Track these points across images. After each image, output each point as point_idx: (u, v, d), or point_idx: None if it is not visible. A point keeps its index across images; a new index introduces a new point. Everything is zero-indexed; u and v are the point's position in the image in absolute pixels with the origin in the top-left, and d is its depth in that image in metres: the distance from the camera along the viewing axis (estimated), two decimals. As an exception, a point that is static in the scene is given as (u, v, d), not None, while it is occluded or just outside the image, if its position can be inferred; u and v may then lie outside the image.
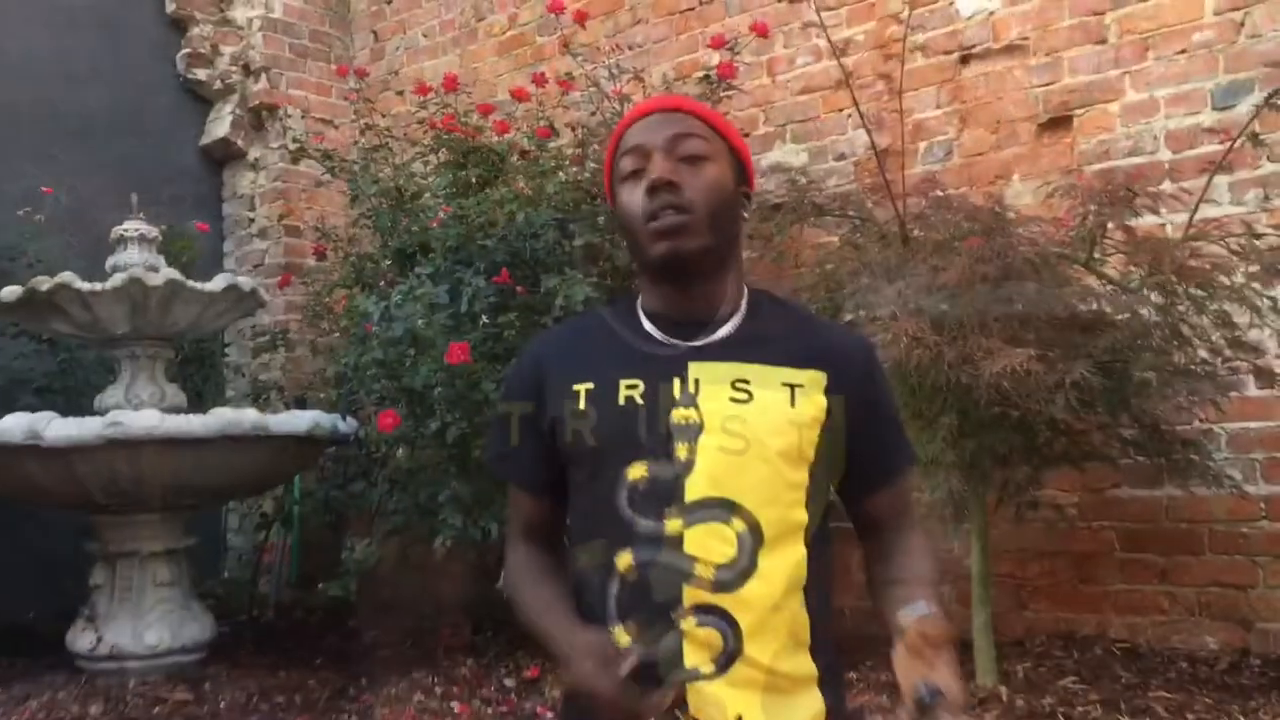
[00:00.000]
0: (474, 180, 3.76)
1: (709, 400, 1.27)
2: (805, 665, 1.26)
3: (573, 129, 3.85)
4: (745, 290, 1.37)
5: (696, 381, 1.28)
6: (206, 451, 3.40)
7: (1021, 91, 3.62)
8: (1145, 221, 3.05)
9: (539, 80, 4.00)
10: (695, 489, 1.25)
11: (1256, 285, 2.77)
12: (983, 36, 3.70)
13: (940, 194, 3.34)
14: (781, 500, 1.27)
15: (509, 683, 3.25)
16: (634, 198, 1.29)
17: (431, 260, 3.44)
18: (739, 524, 1.25)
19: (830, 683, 1.28)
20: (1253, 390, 3.12)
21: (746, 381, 1.29)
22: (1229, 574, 3.19)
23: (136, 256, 3.76)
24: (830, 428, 1.29)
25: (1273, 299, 2.79)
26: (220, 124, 5.19)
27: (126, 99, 4.92)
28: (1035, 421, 2.74)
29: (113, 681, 3.42)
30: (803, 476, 1.28)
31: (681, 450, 1.26)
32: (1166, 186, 3.26)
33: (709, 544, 1.23)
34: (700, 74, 3.82)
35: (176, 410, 3.61)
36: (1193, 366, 2.77)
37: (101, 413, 3.47)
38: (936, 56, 3.81)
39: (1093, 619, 3.39)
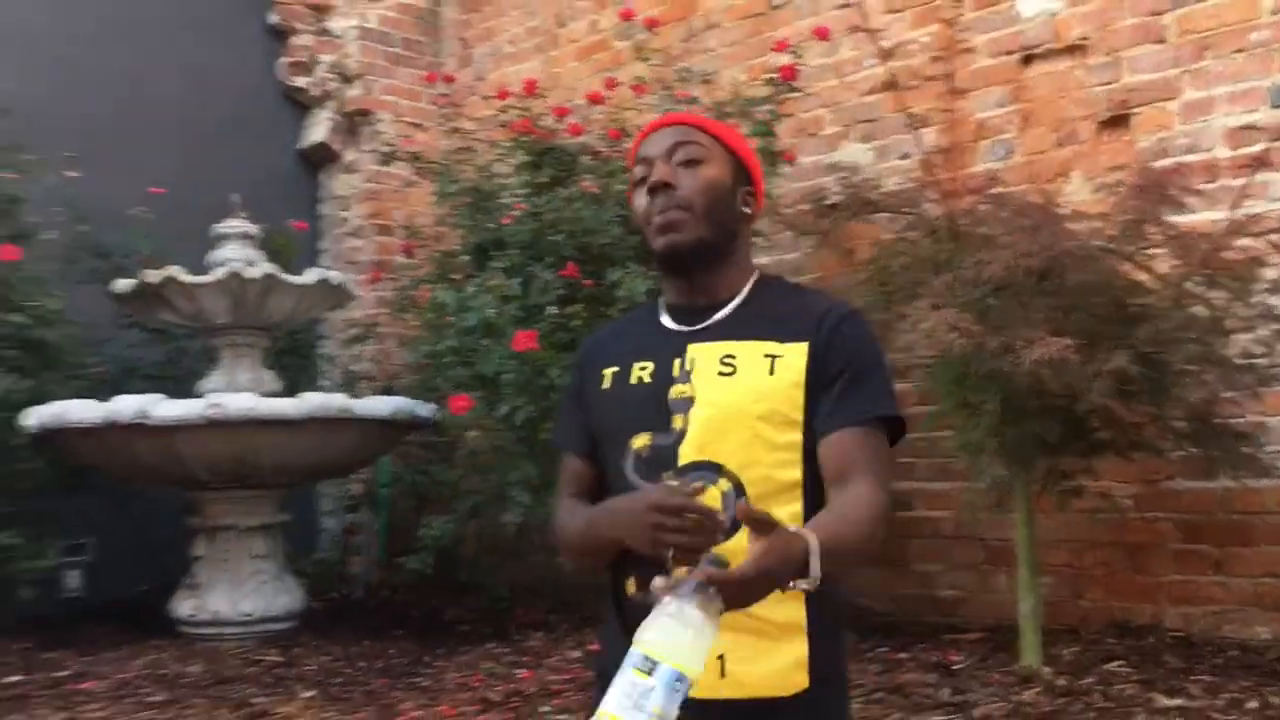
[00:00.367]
0: (548, 180, 3.98)
1: (700, 376, 1.45)
2: (793, 614, 1.39)
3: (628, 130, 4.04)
4: (751, 277, 1.54)
5: (693, 360, 1.46)
6: (298, 432, 3.68)
7: (1082, 90, 3.69)
8: (1197, 218, 3.12)
9: (611, 84, 4.21)
10: (687, 454, 1.42)
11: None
12: (1044, 37, 3.79)
13: (996, 191, 3.45)
14: (764, 461, 1.41)
15: (574, 654, 3.45)
16: (640, 200, 1.49)
17: (506, 255, 3.67)
18: (724, 484, 1.41)
19: (819, 633, 1.40)
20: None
21: (733, 357, 1.46)
22: (1282, 565, 3.24)
23: (236, 252, 4.07)
24: (813, 389, 1.43)
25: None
26: (317, 129, 5.51)
27: (230, 105, 5.26)
28: (1079, 410, 2.84)
29: (210, 645, 3.72)
30: (794, 437, 1.42)
31: (677, 421, 1.44)
32: (1222, 183, 3.33)
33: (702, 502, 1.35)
34: (765, 77, 3.98)
35: (272, 395, 3.90)
36: (1235, 359, 2.84)
37: (204, 396, 3.78)
38: (999, 57, 3.90)
39: (1147, 609, 3.46)
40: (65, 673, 3.44)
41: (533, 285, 3.54)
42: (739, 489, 1.40)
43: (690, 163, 1.49)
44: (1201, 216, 3.15)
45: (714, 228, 1.48)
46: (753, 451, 1.42)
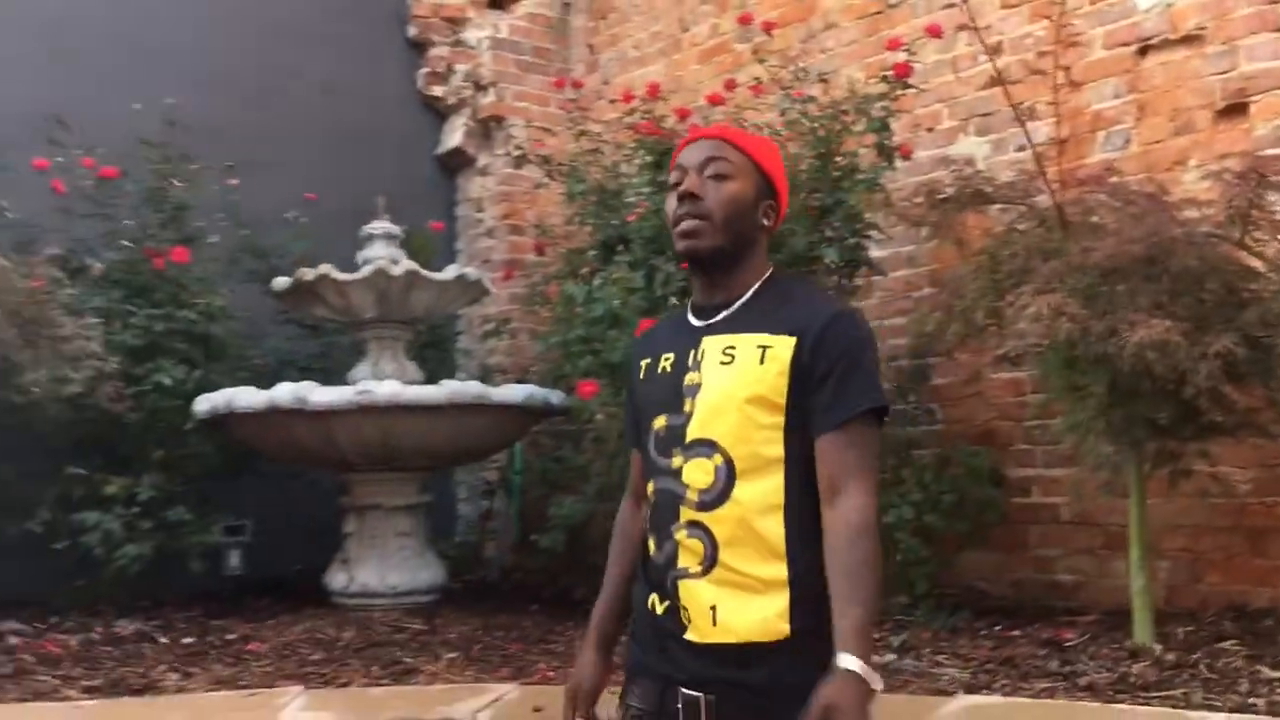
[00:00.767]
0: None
1: (707, 365, 1.69)
2: (776, 571, 1.60)
3: (760, 129, 4.24)
4: (762, 276, 1.74)
5: (703, 352, 1.70)
6: (438, 418, 3.99)
7: (1198, 80, 3.75)
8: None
9: (730, 85, 4.43)
10: (693, 433, 1.66)
11: None
12: (1161, 28, 3.85)
13: (1110, 181, 3.55)
14: (753, 439, 1.64)
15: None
16: (670, 204, 1.71)
17: (630, 250, 3.92)
18: (718, 459, 1.64)
19: (800, 589, 1.60)
20: None
21: (733, 348, 1.68)
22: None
23: (382, 251, 4.42)
24: (797, 379, 1.64)
25: None
26: (453, 135, 5.87)
27: (374, 115, 5.64)
28: (1185, 393, 2.93)
29: (361, 614, 4.05)
30: (777, 419, 1.64)
31: (687, 405, 1.68)
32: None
33: (696, 475, 1.64)
34: (881, 74, 4.13)
35: (415, 384, 4.23)
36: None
37: (353, 384, 4.13)
38: (1115, 48, 3.98)
39: (1266, 592, 3.51)
40: (233, 636, 3.82)
41: (655, 278, 3.78)
42: (730, 464, 1.64)
43: (719, 177, 1.70)
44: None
45: (731, 238, 1.70)
46: (743, 430, 1.64)
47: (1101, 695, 2.75)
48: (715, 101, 4.40)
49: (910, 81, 4.08)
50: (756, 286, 1.73)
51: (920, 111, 4.44)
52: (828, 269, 4.02)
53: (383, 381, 4.02)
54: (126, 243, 4.45)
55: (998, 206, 3.62)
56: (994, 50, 4.21)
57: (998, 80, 4.19)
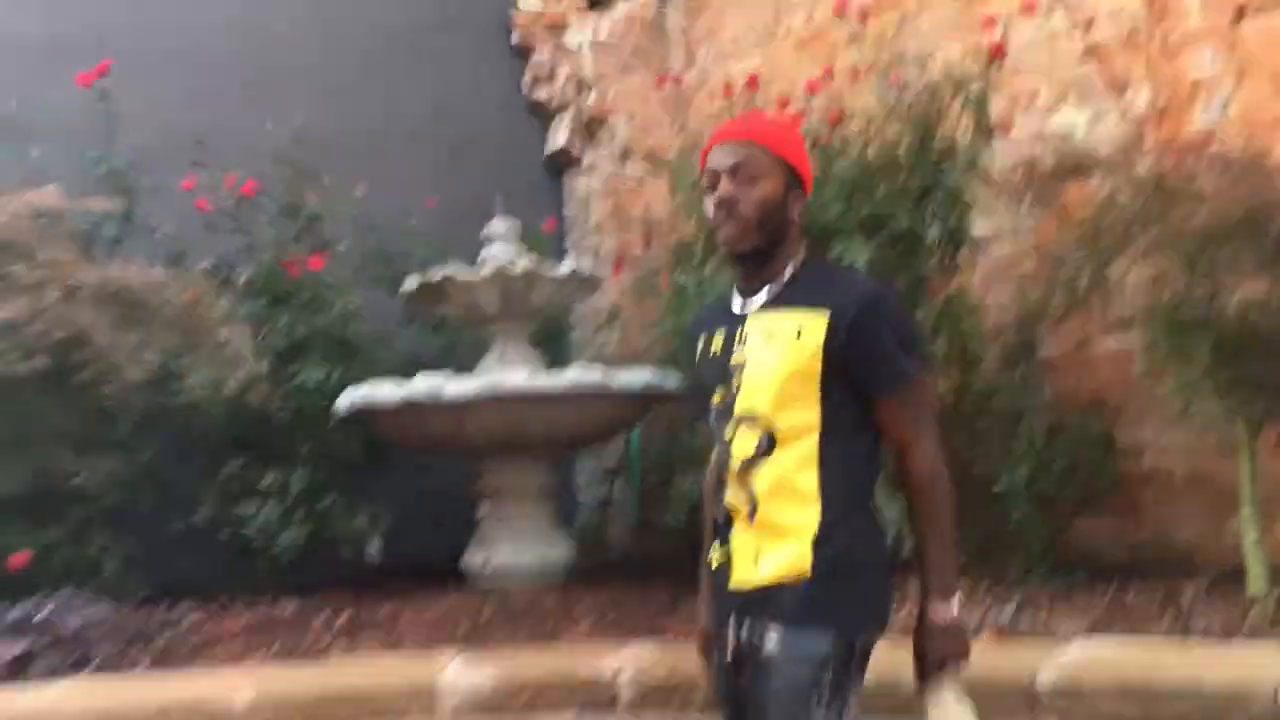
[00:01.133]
0: (774, 166, 4.41)
1: (750, 344, 1.97)
2: (809, 519, 1.90)
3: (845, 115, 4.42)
4: (796, 260, 2.00)
5: (747, 332, 1.98)
6: (562, 405, 4.26)
7: (1297, 41, 3.82)
8: None
9: (828, 71, 4.61)
10: (739, 407, 1.96)
11: None
12: (1257, -9, 3.93)
13: (1212, 148, 3.65)
14: (790, 410, 1.92)
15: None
16: (709, 208, 1.98)
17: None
18: (760, 428, 1.94)
19: (824, 531, 1.89)
20: None
21: (772, 328, 1.95)
22: None
23: (502, 251, 4.72)
24: (831, 352, 1.89)
25: None
26: (559, 136, 6.15)
27: (482, 121, 5.96)
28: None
29: (498, 591, 4.35)
30: (812, 389, 1.92)
31: (736, 380, 1.98)
32: None
33: (742, 442, 1.94)
34: (977, 53, 4.27)
35: (539, 374, 4.50)
36: None
37: (481, 377, 4.42)
38: (1212, 15, 4.06)
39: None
40: (385, 612, 4.15)
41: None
42: (770, 433, 1.93)
43: (750, 180, 1.95)
44: None
45: (766, 235, 1.96)
46: (781, 402, 1.92)
47: (1214, 639, 2.88)
48: (814, 89, 4.58)
49: (1006, 58, 4.21)
50: (792, 269, 1.98)
51: (1017, 88, 4.56)
52: (930, 249, 4.17)
53: (509, 373, 4.30)
54: (266, 254, 4.81)
55: (1097, 177, 3.74)
56: (1089, 22, 4.33)
57: (1094, 52, 4.32)
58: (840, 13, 4.62)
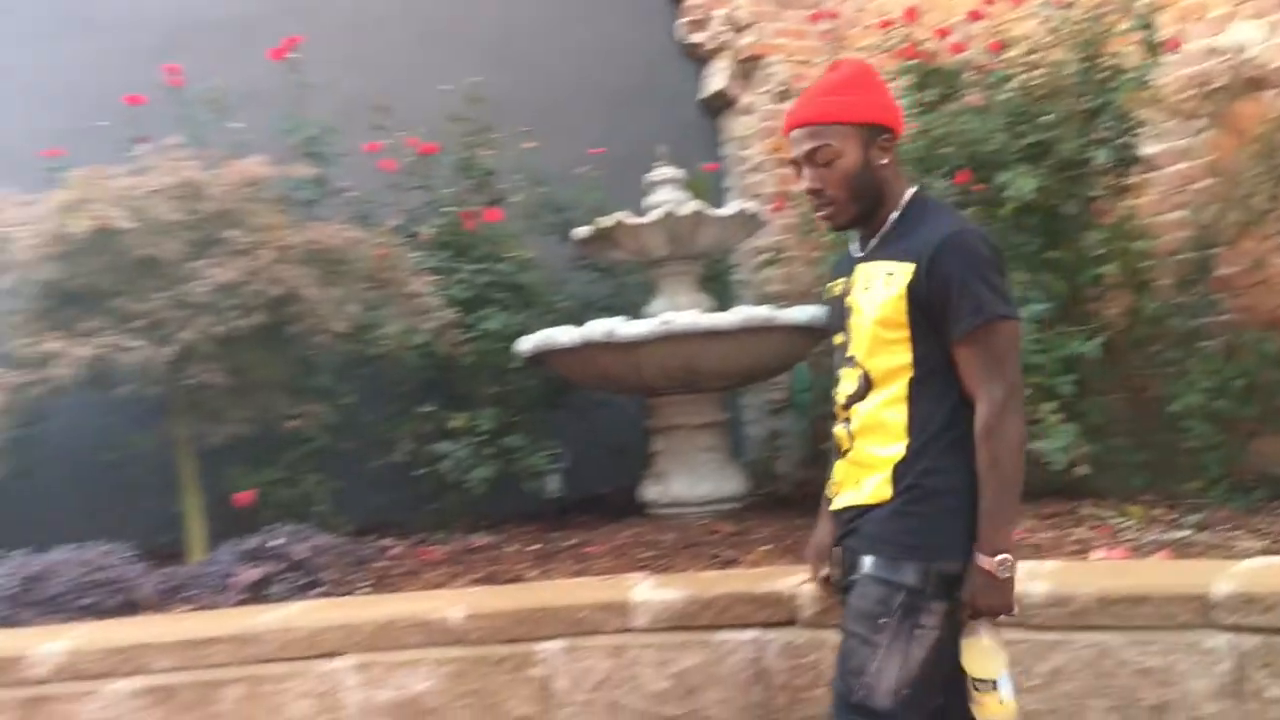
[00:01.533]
0: (935, 98, 4.47)
1: (855, 291, 2.13)
2: (894, 451, 2.07)
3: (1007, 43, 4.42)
4: (900, 205, 2.11)
5: (855, 280, 2.14)
6: (731, 341, 4.45)
7: None
8: None
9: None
10: (849, 349, 2.14)
11: None
12: None
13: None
14: (882, 352, 2.07)
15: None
16: (801, 188, 2.16)
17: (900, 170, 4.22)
18: (859, 370, 2.11)
19: (905, 463, 2.06)
20: None
21: (871, 275, 2.09)
22: None
23: (667, 195, 4.92)
24: (915, 297, 2.01)
25: None
26: (716, 78, 6.29)
27: (640, 69, 6.14)
28: None
29: (675, 521, 4.60)
30: (903, 334, 2.05)
31: (847, 324, 2.15)
32: None
33: (846, 382, 2.15)
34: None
35: (708, 312, 4.70)
36: None
37: (654, 318, 4.64)
38: (1398, -90, 3.92)
39: None
40: (571, 542, 4.45)
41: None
42: (867, 375, 2.10)
43: (826, 163, 2.08)
44: None
45: (860, 204, 2.10)
46: (875, 347, 2.08)
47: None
48: (976, 18, 4.59)
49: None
50: (895, 216, 2.11)
51: (1186, 2, 4.48)
52: (1099, 171, 4.18)
53: (680, 312, 4.51)
54: (447, 209, 5.14)
55: (1273, 91, 3.69)
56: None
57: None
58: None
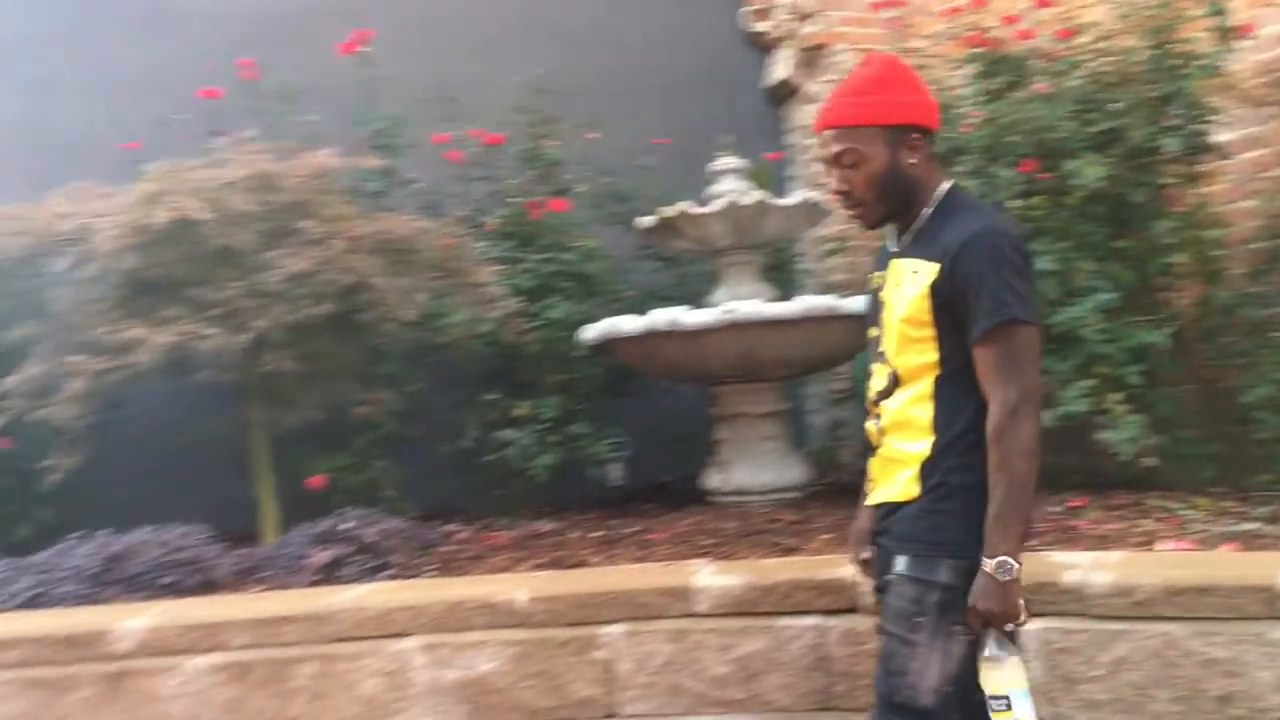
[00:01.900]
0: (1002, 85, 4.46)
1: (889, 287, 2.14)
2: (921, 448, 2.08)
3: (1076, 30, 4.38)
4: (933, 201, 2.11)
5: (889, 276, 2.15)
6: (794, 330, 4.48)
7: None
8: None
9: (1058, -16, 4.59)
10: (881, 344, 2.16)
11: None
12: None
13: None
14: (909, 350, 2.08)
15: (1055, 509, 3.99)
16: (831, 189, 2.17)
17: (965, 159, 4.22)
18: (888, 366, 2.13)
19: (932, 461, 2.07)
20: None
21: (900, 273, 2.11)
22: None
23: (731, 185, 4.95)
24: (938, 298, 2.02)
25: None
26: (779, 67, 6.30)
27: (703, 58, 6.18)
28: None
29: (737, 509, 4.65)
30: (928, 333, 2.06)
31: (882, 319, 2.17)
32: None
33: (876, 378, 2.17)
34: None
35: (771, 301, 4.74)
36: None
37: (717, 307, 4.69)
38: None
39: None
40: (633, 530, 4.52)
41: (993, 184, 4.07)
42: (895, 371, 2.11)
43: (853, 165, 2.10)
44: None
45: (889, 203, 2.12)
46: (902, 344, 2.09)
47: None
48: (1044, 4, 4.57)
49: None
50: (929, 212, 2.11)
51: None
52: (1169, 158, 4.14)
53: (744, 301, 4.55)
54: (512, 199, 5.22)
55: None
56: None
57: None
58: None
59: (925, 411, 2.08)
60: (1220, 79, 4.04)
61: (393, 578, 3.85)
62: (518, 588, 3.38)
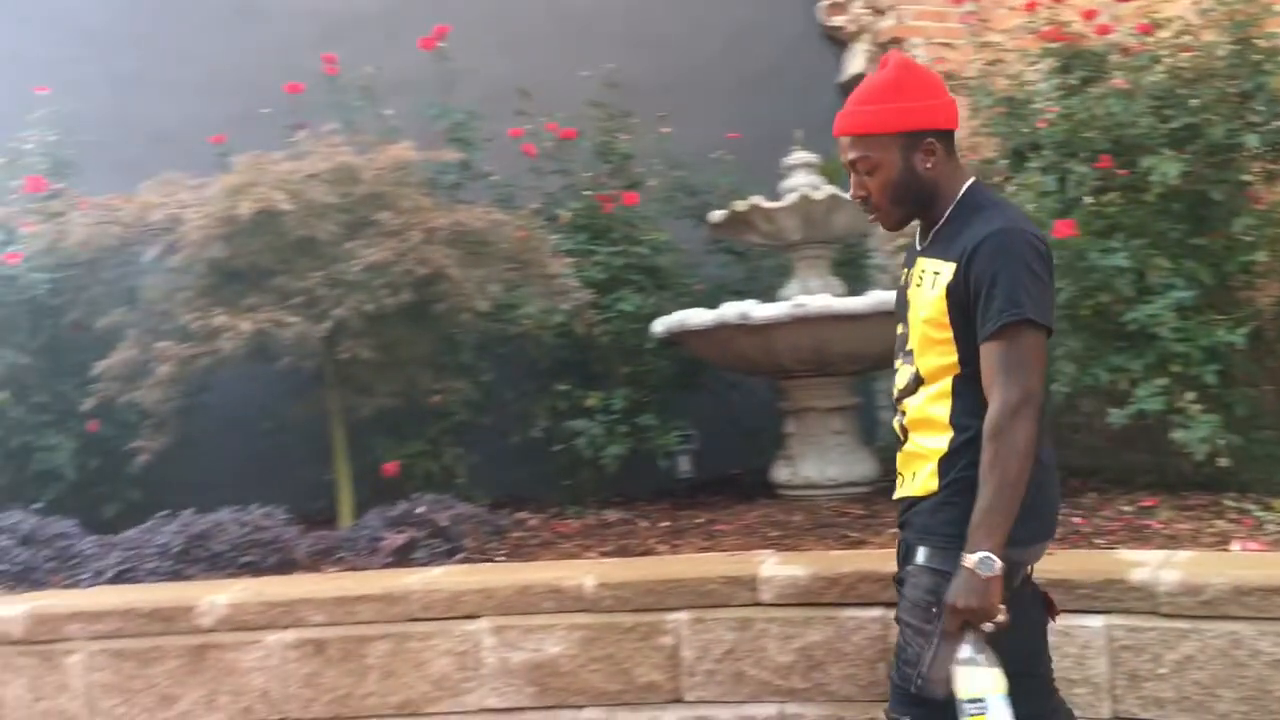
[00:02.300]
0: (1079, 81, 4.44)
1: (912, 286, 2.17)
2: (941, 444, 2.11)
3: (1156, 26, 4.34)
4: (955, 199, 2.13)
5: (913, 273, 2.18)
6: (863, 325, 4.50)
7: None
8: None
9: (1139, -22, 4.55)
10: (907, 342, 2.19)
11: None
12: None
13: None
14: (931, 350, 2.11)
15: (1127, 509, 3.98)
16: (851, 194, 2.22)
17: (1040, 155, 4.22)
18: (912, 366, 2.16)
19: (950, 457, 2.09)
20: None
21: (923, 272, 2.13)
22: None
23: (804, 179, 4.99)
24: (954, 298, 2.04)
25: None
26: (855, 62, 6.31)
27: (778, 52, 6.21)
28: None
29: (805, 503, 4.69)
30: (947, 334, 2.08)
31: (907, 317, 2.20)
32: None
33: (900, 376, 2.20)
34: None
35: (841, 296, 4.77)
36: None
37: (787, 301, 4.73)
38: None
39: None
40: (700, 521, 4.58)
41: (1068, 180, 4.07)
42: (917, 370, 2.15)
43: (869, 171, 2.12)
44: None
45: (907, 207, 2.15)
46: (923, 344, 2.12)
47: None
48: (1122, -2, 4.54)
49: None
50: (950, 211, 2.13)
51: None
52: (1250, 155, 4.10)
53: (814, 295, 4.59)
54: (585, 192, 5.31)
55: None
56: None
57: None
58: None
59: (944, 409, 2.11)
60: (1307, 73, 4.00)
61: (464, 561, 3.96)
62: (585, 573, 3.47)
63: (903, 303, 2.24)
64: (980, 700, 1.95)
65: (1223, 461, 3.77)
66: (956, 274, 2.03)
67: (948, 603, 2.00)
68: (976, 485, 2.03)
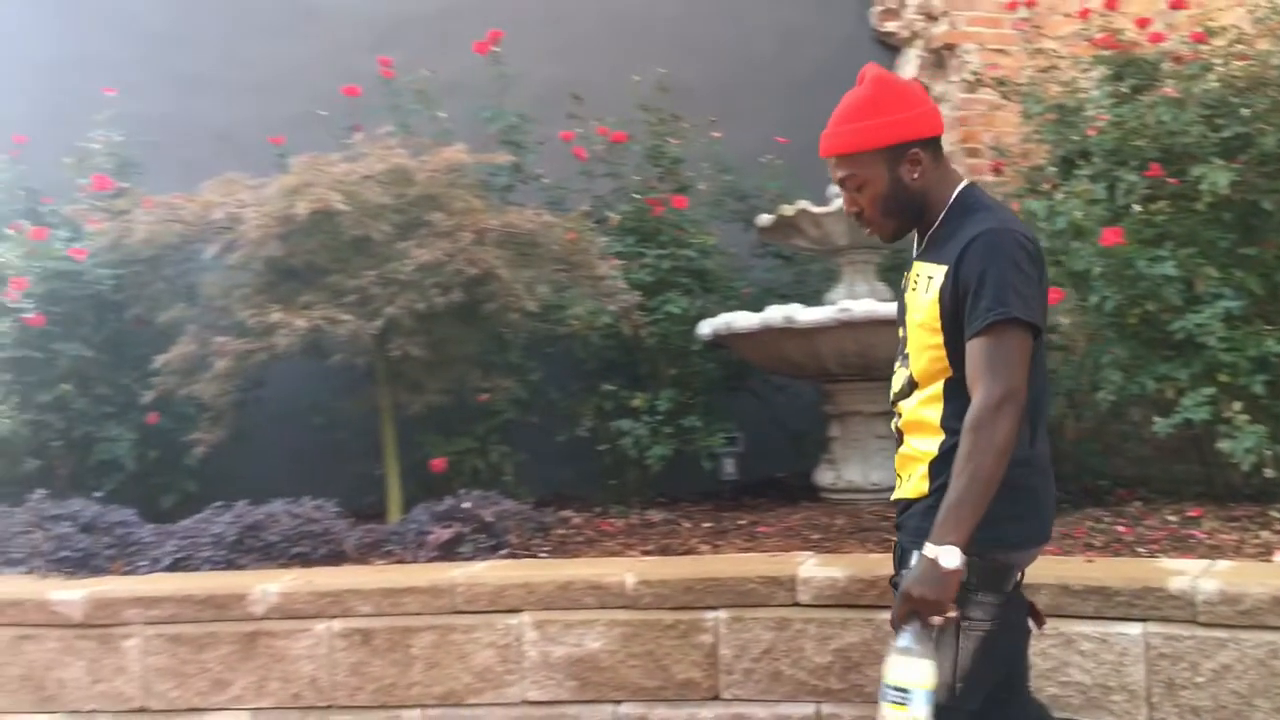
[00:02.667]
0: (1130, 89, 4.44)
1: (909, 290, 2.21)
2: (933, 446, 2.13)
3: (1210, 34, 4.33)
4: (948, 204, 2.16)
5: (909, 278, 2.22)
6: (910, 331, 4.55)
7: None
8: None
9: (1193, -13, 4.55)
10: (906, 346, 2.21)
11: None
12: None
13: None
14: (925, 353, 2.13)
15: (1171, 518, 3.97)
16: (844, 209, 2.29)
17: (1091, 163, 4.23)
18: (908, 368, 2.19)
19: (945, 456, 2.08)
20: None
21: (919, 276, 2.17)
22: None
23: (851, 184, 5.02)
24: (946, 302, 2.06)
25: None
26: (907, 67, 6.33)
27: (829, 57, 6.23)
28: None
29: (848, 506, 4.73)
30: (939, 338, 2.10)
31: (905, 320, 2.23)
32: None
33: (897, 379, 2.23)
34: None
35: (886, 301, 4.80)
36: None
37: (833, 305, 4.78)
38: None
39: None
40: (742, 522, 4.64)
41: (1117, 188, 4.08)
42: (911, 374, 2.17)
43: (857, 188, 2.17)
44: None
45: (898, 216, 2.19)
46: (918, 349, 2.15)
47: None
48: (1178, 6, 4.53)
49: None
50: (943, 215, 2.17)
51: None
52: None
53: (859, 300, 4.63)
54: (635, 195, 5.39)
55: None
56: None
57: None
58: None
59: (936, 412, 2.13)
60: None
61: (508, 557, 4.05)
62: (626, 570, 3.54)
63: (902, 307, 2.28)
64: (905, 691, 1.95)
65: (1269, 472, 3.76)
66: (948, 275, 2.07)
67: (902, 588, 2.01)
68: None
